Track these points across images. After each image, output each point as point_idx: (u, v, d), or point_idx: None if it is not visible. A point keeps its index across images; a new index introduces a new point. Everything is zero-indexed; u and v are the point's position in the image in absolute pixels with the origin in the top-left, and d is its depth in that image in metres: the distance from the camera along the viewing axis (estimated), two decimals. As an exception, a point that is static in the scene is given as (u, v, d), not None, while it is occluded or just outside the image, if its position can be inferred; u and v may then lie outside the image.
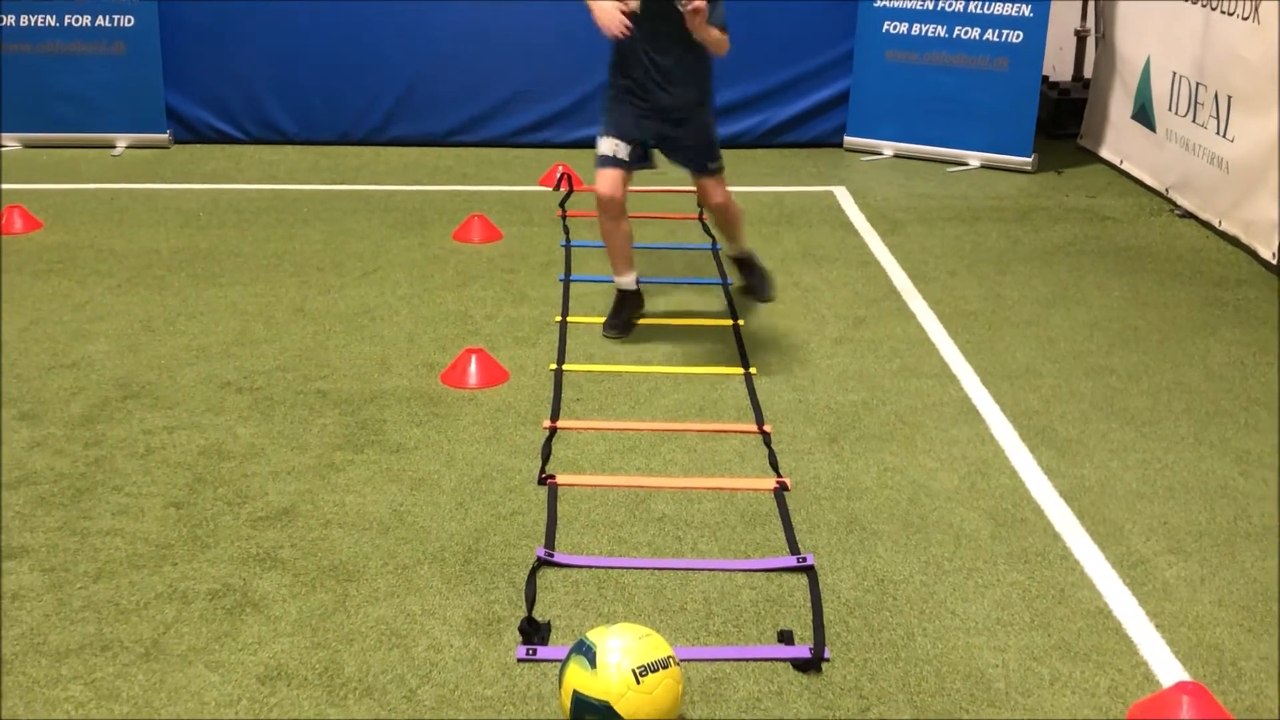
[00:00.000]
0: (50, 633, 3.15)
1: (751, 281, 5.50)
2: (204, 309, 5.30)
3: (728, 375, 4.72)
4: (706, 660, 3.08)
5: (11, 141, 7.81)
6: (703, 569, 3.47)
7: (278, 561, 3.48)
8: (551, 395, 4.52)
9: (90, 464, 3.99)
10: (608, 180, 4.85)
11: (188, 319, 5.19)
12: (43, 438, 4.16)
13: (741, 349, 4.95)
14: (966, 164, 7.73)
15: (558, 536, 3.62)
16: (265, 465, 4.01)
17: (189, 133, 8.00)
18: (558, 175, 7.21)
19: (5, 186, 6.83)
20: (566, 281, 5.67)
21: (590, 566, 3.48)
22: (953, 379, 4.72)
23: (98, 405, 4.40)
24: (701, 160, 5.02)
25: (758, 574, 3.45)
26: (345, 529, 3.66)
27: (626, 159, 4.85)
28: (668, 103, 4.79)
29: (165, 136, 7.92)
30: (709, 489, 3.89)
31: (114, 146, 7.84)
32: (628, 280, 5.13)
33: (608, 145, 4.85)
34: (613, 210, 4.90)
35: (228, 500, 3.80)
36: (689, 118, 4.87)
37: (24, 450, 4.07)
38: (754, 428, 4.28)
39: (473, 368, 4.64)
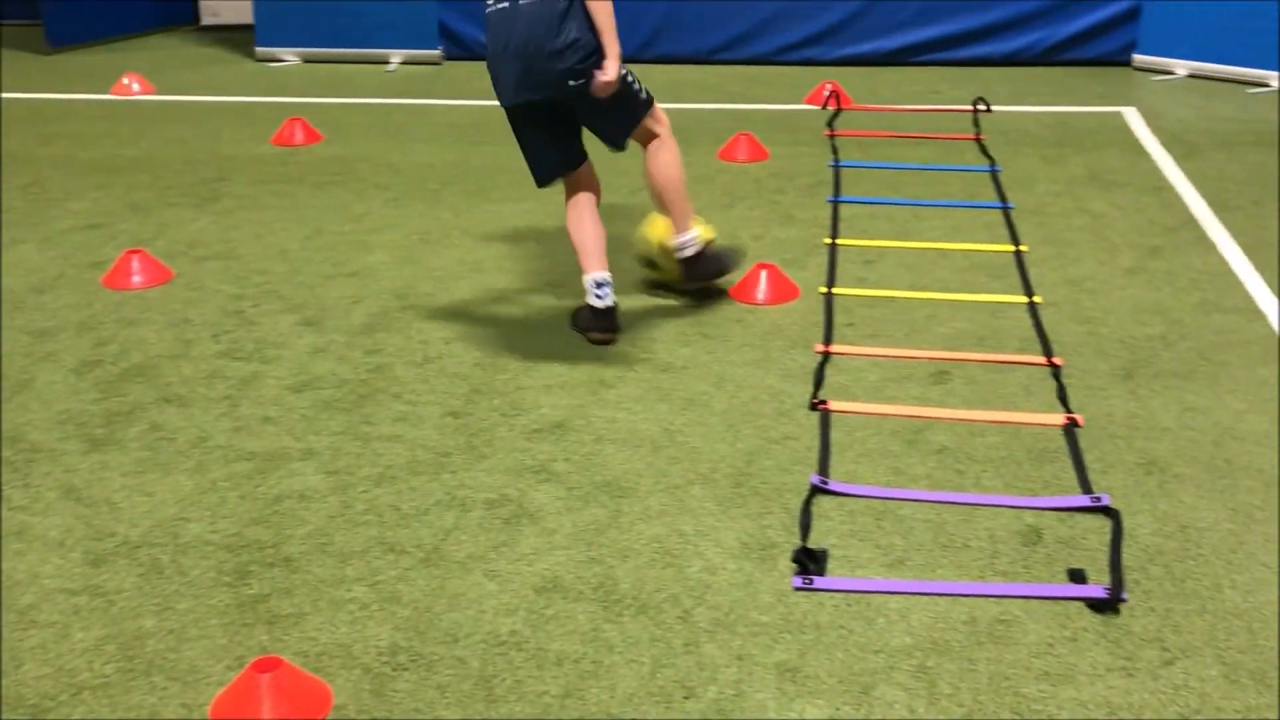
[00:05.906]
0: (335, 533, 3.23)
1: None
2: (476, 223, 5.35)
3: (1010, 304, 4.48)
4: (992, 597, 2.93)
5: (291, 56, 8.06)
6: (988, 505, 3.30)
7: (552, 474, 3.48)
8: (822, 319, 4.39)
9: (371, 371, 4.09)
10: None
11: (461, 233, 5.26)
12: (326, 344, 4.27)
13: (1024, 276, 4.70)
14: (1269, 85, 7.14)
15: (831, 464, 3.51)
16: (538, 379, 4.02)
17: (460, 49, 8.11)
18: (825, 93, 7.00)
19: (287, 100, 7.05)
20: (836, 203, 5.49)
21: (867, 496, 3.35)
22: (1259, 315, 4.36)
23: (378, 314, 4.49)
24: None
25: (1046, 513, 3.26)
26: (617, 445, 3.63)
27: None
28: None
29: (437, 53, 8.05)
30: (992, 422, 3.70)
31: (388, 62, 8.02)
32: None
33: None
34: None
35: (503, 412, 3.83)
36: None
37: (309, 355, 4.20)
38: (1041, 360, 4.06)
39: (762, 284, 4.57)
